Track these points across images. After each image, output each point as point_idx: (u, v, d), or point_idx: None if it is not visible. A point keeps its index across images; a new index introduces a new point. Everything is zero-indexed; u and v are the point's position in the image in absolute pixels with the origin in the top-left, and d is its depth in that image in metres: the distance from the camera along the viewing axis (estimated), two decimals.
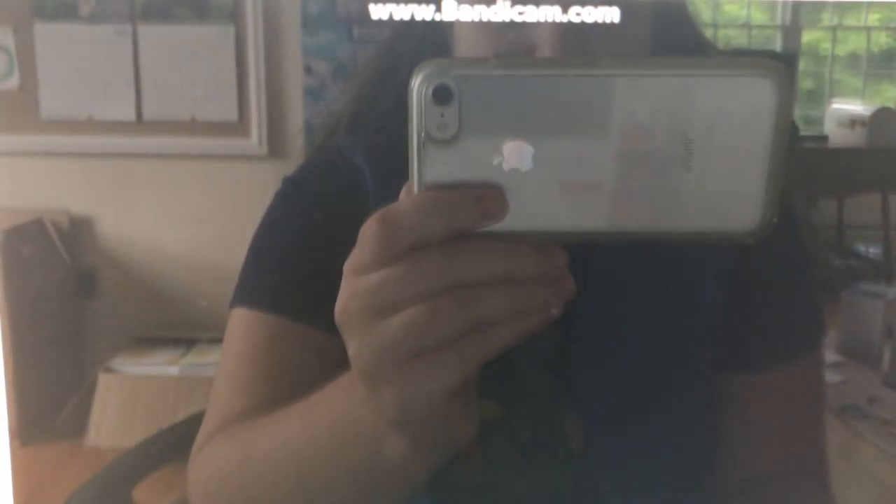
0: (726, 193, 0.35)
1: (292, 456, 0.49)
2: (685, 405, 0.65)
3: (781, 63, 0.34)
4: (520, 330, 0.36)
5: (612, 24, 0.52)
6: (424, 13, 0.50)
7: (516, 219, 0.35)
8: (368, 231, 0.35)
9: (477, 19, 0.53)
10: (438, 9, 0.51)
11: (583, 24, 0.52)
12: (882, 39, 4.48)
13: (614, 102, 0.34)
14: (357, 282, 0.36)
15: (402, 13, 0.50)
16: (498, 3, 0.51)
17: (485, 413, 0.42)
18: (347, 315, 0.37)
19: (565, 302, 0.36)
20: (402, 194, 0.36)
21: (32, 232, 2.35)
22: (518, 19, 0.52)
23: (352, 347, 0.37)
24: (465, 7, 0.51)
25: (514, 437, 0.63)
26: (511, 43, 0.57)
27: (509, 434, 0.63)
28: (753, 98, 0.34)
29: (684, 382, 0.65)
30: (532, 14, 0.51)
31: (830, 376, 2.44)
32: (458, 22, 0.61)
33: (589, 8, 0.50)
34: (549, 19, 0.51)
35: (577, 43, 0.55)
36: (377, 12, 0.50)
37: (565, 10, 0.51)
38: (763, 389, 0.67)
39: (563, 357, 0.63)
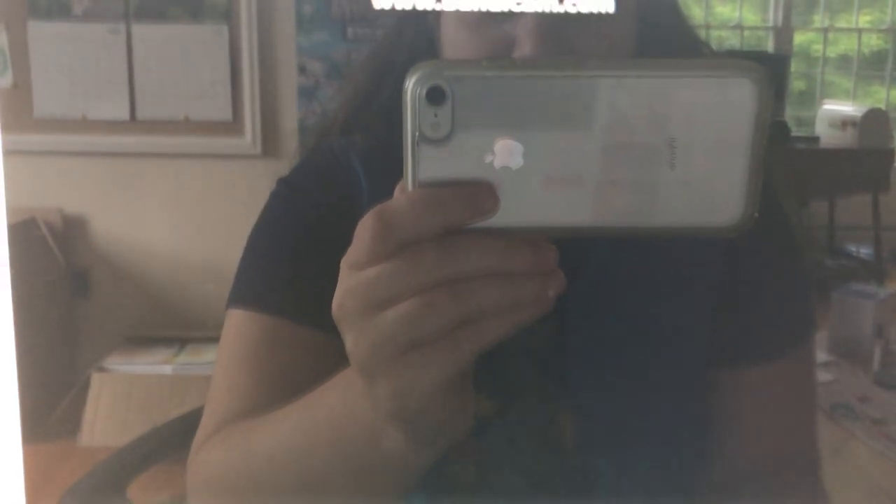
0: (709, 189, 0.36)
1: (291, 453, 0.50)
2: (677, 400, 0.66)
3: (760, 65, 0.35)
4: (512, 322, 0.37)
5: (592, 21, 0.52)
6: (426, 3, 0.51)
7: (507, 215, 0.36)
8: (364, 227, 0.36)
9: (476, 9, 0.54)
10: (438, 0, 0.52)
11: (562, 19, 0.53)
12: (873, 41, 4.50)
13: (601, 102, 0.35)
14: (353, 277, 0.37)
15: (404, 3, 0.50)
16: None
17: (479, 409, 0.43)
18: (344, 310, 0.38)
19: (556, 296, 0.37)
20: (397, 192, 0.37)
21: (25, 231, 2.34)
22: (516, 9, 0.53)
23: (349, 341, 0.38)
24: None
25: (508, 433, 0.64)
26: (493, 38, 0.57)
27: (503, 429, 0.64)
28: (734, 98, 0.36)
29: (676, 377, 0.66)
30: (528, 4, 0.52)
31: (821, 375, 2.46)
32: (444, 20, 0.62)
33: None
34: (545, 9, 0.52)
35: (557, 38, 0.56)
36: (380, 3, 0.50)
37: (561, 1, 0.52)
38: (754, 385, 0.68)
39: (555, 352, 0.64)
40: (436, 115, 0.35)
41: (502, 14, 0.56)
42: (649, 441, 0.65)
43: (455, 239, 0.36)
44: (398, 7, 0.51)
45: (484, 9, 0.53)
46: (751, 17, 4.40)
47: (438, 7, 0.52)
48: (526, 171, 0.36)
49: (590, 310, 0.64)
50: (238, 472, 0.54)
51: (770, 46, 4.33)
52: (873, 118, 3.67)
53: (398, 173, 0.37)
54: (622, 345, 0.64)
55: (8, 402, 0.79)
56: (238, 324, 0.64)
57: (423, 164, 0.36)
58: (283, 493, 0.50)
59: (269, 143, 2.42)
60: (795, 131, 3.94)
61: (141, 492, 0.95)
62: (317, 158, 0.71)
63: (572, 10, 0.52)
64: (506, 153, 0.36)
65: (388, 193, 0.37)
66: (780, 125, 3.42)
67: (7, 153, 2.37)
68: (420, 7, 0.51)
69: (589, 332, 0.64)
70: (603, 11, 0.52)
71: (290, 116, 2.43)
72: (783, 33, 4.34)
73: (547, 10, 0.53)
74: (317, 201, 0.67)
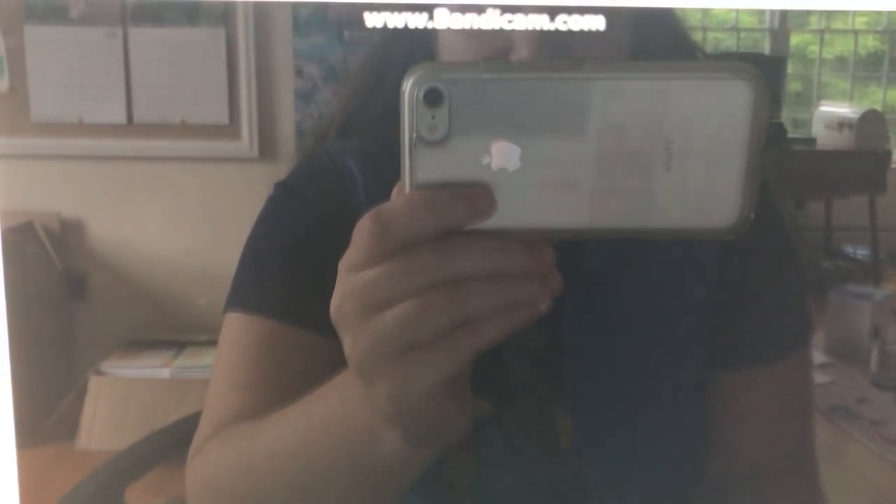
0: (705, 191, 0.37)
1: (290, 455, 0.50)
2: (674, 402, 0.66)
3: (755, 67, 0.36)
4: (509, 324, 0.37)
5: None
6: (417, 21, 0.51)
7: (504, 216, 0.36)
8: (362, 229, 0.36)
9: (468, 27, 0.54)
10: (431, 17, 0.52)
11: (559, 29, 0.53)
12: (869, 42, 4.51)
13: (597, 104, 0.35)
14: (351, 279, 0.37)
15: (395, 21, 0.51)
16: (488, 11, 0.52)
17: (476, 410, 0.43)
18: (342, 312, 0.38)
19: (553, 297, 0.37)
20: (394, 194, 0.37)
21: (23, 235, 2.34)
22: (507, 27, 0.54)
23: (347, 343, 0.39)
24: (457, 15, 0.52)
25: (504, 435, 0.64)
26: (489, 43, 0.58)
27: (499, 431, 0.64)
28: (730, 100, 0.36)
29: (673, 379, 0.66)
30: (520, 23, 0.53)
31: (818, 377, 2.45)
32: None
33: (575, 16, 0.51)
34: (537, 28, 0.53)
35: (554, 46, 0.56)
36: (372, 20, 0.51)
37: (552, 19, 0.52)
38: (752, 387, 0.68)
39: (552, 354, 0.64)
40: (433, 117, 0.36)
41: None
42: (647, 443, 0.65)
43: (452, 240, 0.36)
44: (390, 25, 0.52)
45: (476, 27, 0.54)
46: (747, 18, 4.40)
47: (430, 25, 0.53)
48: (523, 173, 0.36)
49: (587, 312, 0.64)
50: (237, 475, 0.55)
51: (766, 48, 4.34)
52: (870, 119, 3.67)
53: (395, 176, 0.37)
54: (619, 347, 0.65)
55: (2, 408, 0.79)
56: (236, 327, 0.64)
57: (421, 166, 0.36)
58: (281, 495, 0.51)
59: (267, 146, 2.41)
60: (792, 133, 3.94)
61: (139, 495, 0.95)
62: (314, 162, 0.71)
63: (563, 28, 0.53)
64: (503, 155, 0.36)
65: (386, 196, 0.37)
66: (777, 127, 3.43)
67: (4, 157, 2.37)
68: (412, 26, 0.52)
69: (586, 334, 0.64)
70: (594, 29, 0.53)
71: (287, 120, 2.43)
72: (779, 35, 4.34)
73: (538, 27, 0.54)
74: (314, 205, 0.67)
